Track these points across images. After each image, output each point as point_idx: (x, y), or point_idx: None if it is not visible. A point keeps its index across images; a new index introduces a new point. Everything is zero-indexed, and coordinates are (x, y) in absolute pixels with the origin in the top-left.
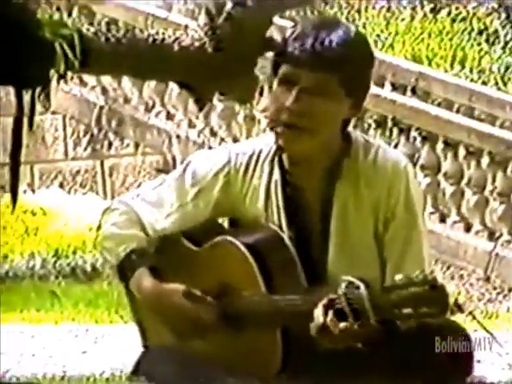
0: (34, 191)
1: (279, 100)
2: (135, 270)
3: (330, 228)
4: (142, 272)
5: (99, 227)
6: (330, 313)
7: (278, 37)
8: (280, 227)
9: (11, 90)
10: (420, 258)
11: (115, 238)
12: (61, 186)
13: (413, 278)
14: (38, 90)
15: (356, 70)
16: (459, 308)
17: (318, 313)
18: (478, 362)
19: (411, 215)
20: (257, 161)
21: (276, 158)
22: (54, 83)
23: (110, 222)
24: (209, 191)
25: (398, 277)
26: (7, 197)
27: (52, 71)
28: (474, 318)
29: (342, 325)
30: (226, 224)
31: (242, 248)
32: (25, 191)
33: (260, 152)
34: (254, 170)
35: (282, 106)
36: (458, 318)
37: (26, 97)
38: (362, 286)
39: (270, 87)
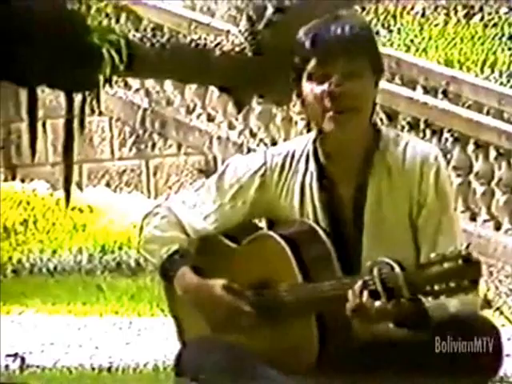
0: (81, 189)
1: (315, 92)
2: (178, 269)
3: (363, 219)
4: (185, 270)
5: (141, 231)
6: (365, 293)
7: (302, 35)
8: (315, 221)
9: (60, 93)
10: (452, 242)
11: (157, 241)
12: (107, 184)
13: (446, 254)
14: (87, 93)
15: (376, 47)
16: (488, 303)
17: (353, 293)
18: (507, 355)
19: (442, 201)
20: (291, 160)
21: (311, 155)
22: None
23: (151, 225)
24: (246, 191)
25: (433, 254)
26: (57, 194)
27: (100, 75)
28: (502, 313)
29: (377, 304)
30: (263, 224)
31: (280, 240)
32: (73, 189)
33: (294, 152)
34: (290, 169)
35: (322, 95)
36: (487, 313)
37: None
38: (396, 266)
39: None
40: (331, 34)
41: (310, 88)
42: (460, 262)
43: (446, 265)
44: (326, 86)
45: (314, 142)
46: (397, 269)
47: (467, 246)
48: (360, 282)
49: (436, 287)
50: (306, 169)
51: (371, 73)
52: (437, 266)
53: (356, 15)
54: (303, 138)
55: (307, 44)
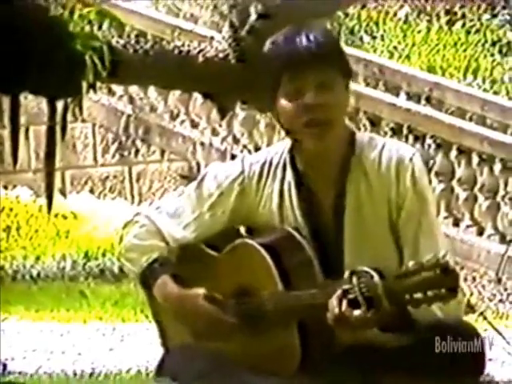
0: (65, 196)
1: (291, 107)
2: (158, 278)
3: (344, 224)
4: (165, 279)
5: (121, 239)
6: (344, 302)
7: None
8: (295, 228)
9: (43, 99)
10: (434, 243)
11: (137, 249)
12: (91, 191)
13: (424, 264)
14: (70, 99)
15: (343, 53)
16: (471, 308)
17: (333, 303)
18: (490, 360)
19: (421, 202)
20: (269, 168)
21: (288, 163)
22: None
23: (131, 234)
24: (225, 200)
25: (411, 263)
26: (40, 201)
27: (83, 82)
28: (485, 318)
29: (356, 313)
30: (243, 231)
31: (260, 248)
32: (56, 196)
33: (272, 160)
34: (267, 176)
35: (298, 109)
36: (470, 318)
37: (58, 106)
38: (375, 275)
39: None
40: (298, 47)
41: (284, 103)
42: (438, 271)
43: (424, 274)
44: (300, 101)
45: (291, 150)
46: (376, 278)
47: (444, 256)
48: (339, 292)
49: (415, 296)
50: (284, 177)
51: (342, 80)
52: (415, 276)
53: (319, 24)
54: (280, 146)
55: (276, 61)
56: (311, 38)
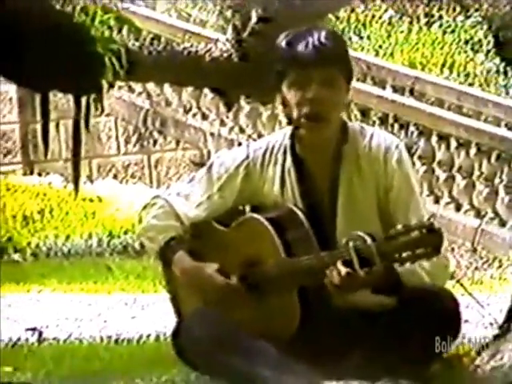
0: (92, 182)
1: (296, 98)
2: (175, 254)
3: (337, 203)
4: (181, 254)
5: (140, 220)
6: (339, 262)
7: (280, 46)
8: (295, 205)
9: (69, 96)
10: (420, 213)
11: (155, 229)
12: (114, 177)
13: (411, 225)
14: (92, 96)
15: (347, 57)
16: (451, 275)
17: (329, 264)
18: (466, 321)
19: (407, 183)
20: (271, 154)
21: (288, 149)
22: (106, 90)
23: (150, 215)
24: (232, 182)
25: (399, 226)
26: (70, 187)
27: (103, 80)
28: (462, 285)
29: (350, 271)
30: (248, 210)
31: (264, 221)
32: (84, 182)
33: (273, 146)
34: (269, 161)
35: (302, 101)
36: (449, 284)
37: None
38: (368, 238)
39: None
40: (308, 45)
41: (290, 94)
42: (424, 231)
43: (412, 234)
44: (305, 94)
45: (291, 137)
46: (369, 240)
47: (430, 218)
48: (335, 252)
49: (404, 254)
50: (284, 161)
51: (344, 80)
52: (404, 236)
53: (328, 27)
54: (280, 134)
55: (286, 56)
56: (321, 38)
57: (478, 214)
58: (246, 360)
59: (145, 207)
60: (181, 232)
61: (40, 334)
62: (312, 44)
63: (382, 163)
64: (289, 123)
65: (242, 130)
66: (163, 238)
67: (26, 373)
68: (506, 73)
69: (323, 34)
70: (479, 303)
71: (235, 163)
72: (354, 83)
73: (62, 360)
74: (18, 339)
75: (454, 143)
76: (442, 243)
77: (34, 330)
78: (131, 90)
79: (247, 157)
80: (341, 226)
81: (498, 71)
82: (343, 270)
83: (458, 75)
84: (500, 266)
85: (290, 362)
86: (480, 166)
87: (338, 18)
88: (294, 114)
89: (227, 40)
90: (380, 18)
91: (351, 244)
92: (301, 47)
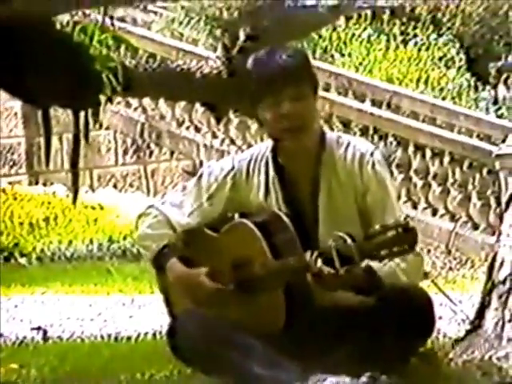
0: (93, 191)
1: (272, 116)
2: (168, 260)
3: (318, 207)
4: (173, 261)
5: (137, 227)
6: (319, 260)
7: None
8: (280, 210)
9: (69, 111)
10: (397, 216)
11: (150, 238)
12: (114, 186)
13: (388, 225)
14: (91, 111)
15: (311, 70)
16: (425, 275)
17: (312, 263)
18: (440, 318)
19: (383, 188)
20: (254, 164)
21: (270, 159)
22: (104, 105)
23: (145, 225)
24: (221, 191)
25: (377, 226)
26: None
27: (101, 96)
28: (436, 284)
29: (331, 269)
30: (236, 216)
31: (252, 226)
32: (86, 191)
33: (257, 157)
34: (254, 170)
35: (278, 118)
36: (424, 284)
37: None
38: (348, 238)
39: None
40: (274, 67)
41: (265, 113)
42: (400, 230)
43: (389, 233)
44: (279, 110)
45: (273, 148)
46: (349, 240)
47: (405, 218)
48: (317, 253)
49: (382, 252)
50: (267, 170)
51: (312, 91)
52: (382, 235)
53: (291, 46)
54: (263, 145)
55: (257, 79)
56: (285, 58)
57: (453, 218)
58: (238, 355)
59: (140, 216)
60: (173, 239)
61: (45, 332)
62: (277, 64)
63: (357, 169)
64: (270, 136)
65: (232, 142)
66: (157, 246)
67: (32, 369)
68: (476, 87)
69: (286, 52)
70: (452, 301)
71: (223, 173)
72: (336, 97)
73: (66, 357)
74: (24, 338)
75: (429, 153)
76: (417, 241)
77: (38, 329)
78: (128, 104)
79: (233, 167)
80: (322, 228)
81: (469, 86)
82: (325, 268)
83: (433, 89)
84: (472, 267)
85: (280, 358)
86: (454, 173)
87: (320, 36)
88: (273, 130)
89: (217, 57)
90: (359, 36)
91: (332, 244)
92: (269, 69)
